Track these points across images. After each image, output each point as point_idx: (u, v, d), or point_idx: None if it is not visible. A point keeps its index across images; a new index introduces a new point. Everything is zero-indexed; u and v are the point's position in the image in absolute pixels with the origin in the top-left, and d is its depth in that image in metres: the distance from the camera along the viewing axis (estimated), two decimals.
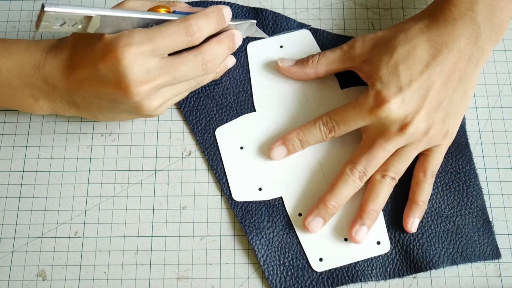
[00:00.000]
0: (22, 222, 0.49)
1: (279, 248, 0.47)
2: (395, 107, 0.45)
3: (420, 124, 0.45)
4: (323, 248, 0.47)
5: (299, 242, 0.47)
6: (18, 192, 0.50)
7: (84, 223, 0.49)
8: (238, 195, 0.49)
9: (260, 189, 0.49)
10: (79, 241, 0.48)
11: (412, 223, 0.47)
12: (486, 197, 0.49)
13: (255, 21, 0.50)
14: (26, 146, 0.51)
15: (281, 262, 0.47)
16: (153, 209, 0.49)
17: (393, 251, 0.47)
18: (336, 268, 0.46)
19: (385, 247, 0.47)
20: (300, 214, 0.48)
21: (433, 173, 0.48)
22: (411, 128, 0.45)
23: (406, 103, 0.45)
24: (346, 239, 0.47)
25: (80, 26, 0.39)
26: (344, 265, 0.47)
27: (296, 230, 0.48)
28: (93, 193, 0.50)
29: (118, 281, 0.47)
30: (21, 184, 0.50)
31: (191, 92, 0.52)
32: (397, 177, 0.47)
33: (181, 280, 0.47)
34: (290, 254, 0.47)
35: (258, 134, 0.51)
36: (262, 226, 0.48)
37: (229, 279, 0.47)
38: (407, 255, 0.47)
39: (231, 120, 0.51)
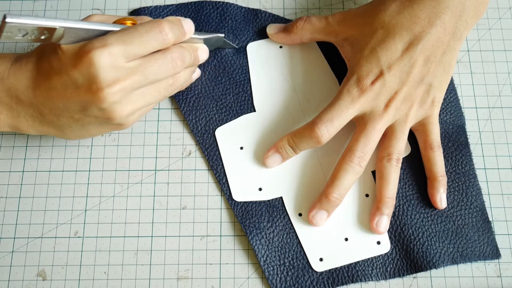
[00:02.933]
0: (22, 222, 0.49)
1: (279, 248, 0.47)
2: (377, 90, 0.45)
3: (403, 100, 0.46)
4: (323, 248, 0.47)
5: (299, 242, 0.47)
6: (18, 192, 0.50)
7: (84, 223, 0.49)
8: (238, 195, 0.49)
9: (260, 189, 0.49)
10: (79, 241, 0.48)
11: (441, 200, 0.48)
12: (486, 197, 0.49)
13: (222, 35, 0.51)
14: (26, 146, 0.51)
15: (281, 262, 0.47)
16: (153, 209, 0.49)
17: (393, 251, 0.47)
18: (336, 268, 0.46)
19: (385, 247, 0.47)
20: (300, 214, 0.48)
21: (439, 144, 0.49)
22: (394, 104, 0.46)
23: (388, 85, 0.45)
24: (346, 239, 0.47)
25: (43, 37, 0.38)
26: (344, 265, 0.47)
27: (296, 230, 0.48)
28: (93, 193, 0.50)
29: (118, 281, 0.47)
30: (21, 184, 0.50)
31: (190, 92, 0.52)
32: (401, 157, 0.48)
33: (181, 280, 0.47)
34: (290, 254, 0.47)
35: (258, 134, 0.51)
36: (262, 226, 0.48)
37: (229, 279, 0.47)
38: (407, 255, 0.47)
39: (231, 120, 0.51)
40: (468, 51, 0.55)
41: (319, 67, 0.53)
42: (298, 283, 0.46)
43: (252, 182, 0.49)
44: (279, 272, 0.46)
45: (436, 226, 0.48)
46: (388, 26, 0.46)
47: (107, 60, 0.39)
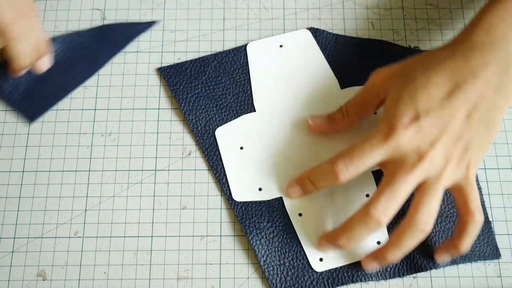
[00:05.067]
0: (22, 222, 0.49)
1: (279, 248, 0.47)
2: (410, 135, 0.42)
3: (438, 156, 0.42)
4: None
5: (299, 242, 0.47)
6: (18, 192, 0.50)
7: (84, 223, 0.49)
8: (238, 195, 0.49)
9: (260, 189, 0.49)
10: (79, 241, 0.48)
11: (444, 260, 0.46)
12: (486, 197, 0.49)
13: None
14: (26, 146, 0.51)
15: (281, 262, 0.47)
16: (153, 209, 0.49)
17: None
18: (336, 268, 0.46)
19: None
20: (300, 214, 0.48)
21: (479, 209, 0.43)
22: (430, 157, 0.41)
23: (422, 132, 0.42)
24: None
25: None
26: (344, 265, 0.47)
27: (296, 230, 0.48)
28: (93, 193, 0.50)
29: (118, 281, 0.47)
30: (21, 184, 0.50)
31: (190, 92, 0.52)
32: (429, 227, 0.42)
33: (181, 280, 0.47)
34: (290, 254, 0.47)
35: (258, 134, 0.51)
36: (262, 226, 0.48)
37: (229, 279, 0.47)
38: (407, 255, 0.47)
39: (231, 120, 0.51)
40: None
41: (319, 67, 0.53)
42: (298, 283, 0.46)
43: (252, 182, 0.49)
44: (279, 272, 0.46)
45: (436, 226, 0.48)
46: (429, 73, 0.43)
47: None
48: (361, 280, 0.46)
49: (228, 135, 0.51)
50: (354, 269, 0.46)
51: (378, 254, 0.45)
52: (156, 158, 0.51)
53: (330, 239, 0.45)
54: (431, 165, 0.42)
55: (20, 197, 0.49)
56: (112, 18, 0.56)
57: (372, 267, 0.46)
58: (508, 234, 0.48)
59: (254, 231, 0.47)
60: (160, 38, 0.56)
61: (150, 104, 0.53)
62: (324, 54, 0.54)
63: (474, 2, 0.57)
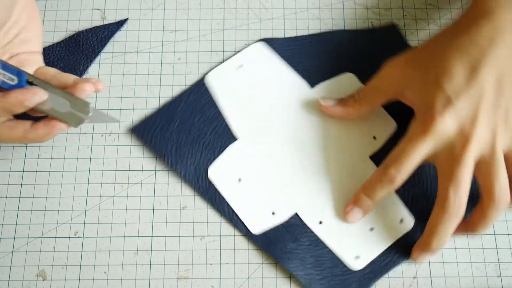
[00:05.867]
0: (22, 222, 0.49)
1: (314, 263, 0.46)
2: (449, 120, 0.42)
3: (483, 130, 0.42)
4: (354, 246, 0.47)
5: (329, 250, 0.47)
6: (18, 192, 0.50)
7: (84, 223, 0.49)
8: (255, 227, 0.48)
9: (273, 213, 0.48)
10: (79, 241, 0.48)
11: (472, 230, 0.45)
12: None
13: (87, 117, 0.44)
14: (26, 146, 0.51)
15: (321, 276, 0.46)
16: (153, 209, 0.49)
17: (417, 226, 0.47)
18: (371, 262, 0.46)
19: (409, 223, 0.47)
20: (320, 222, 0.48)
21: None
22: (475, 134, 0.41)
23: (460, 114, 0.41)
24: (372, 229, 0.47)
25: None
26: (378, 255, 0.47)
27: (322, 239, 0.47)
28: (93, 193, 0.50)
29: (118, 281, 0.47)
30: (21, 184, 0.50)
31: (170, 142, 0.50)
32: (508, 199, 0.42)
33: (181, 280, 0.47)
34: (326, 265, 0.46)
35: (250, 160, 0.50)
36: (289, 249, 0.47)
37: (229, 279, 0.47)
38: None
39: (217, 156, 0.50)
40: None
41: (283, 74, 0.53)
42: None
43: (262, 209, 0.48)
44: (323, 286, 0.46)
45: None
46: (445, 55, 0.42)
47: None
48: (395, 265, 0.46)
49: (221, 172, 0.49)
50: (384, 256, 0.47)
51: (466, 227, 0.44)
52: (156, 158, 0.51)
53: (425, 248, 0.45)
54: (480, 141, 0.42)
55: (20, 197, 0.49)
56: (112, 18, 0.56)
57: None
58: (508, 234, 0.48)
59: (284, 255, 0.47)
60: (160, 38, 0.56)
61: (150, 104, 0.53)
62: (284, 60, 0.53)
63: None
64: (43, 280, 0.47)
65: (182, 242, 0.48)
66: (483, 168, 0.42)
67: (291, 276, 0.47)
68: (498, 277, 0.47)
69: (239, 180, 0.49)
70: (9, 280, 0.47)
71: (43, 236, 0.48)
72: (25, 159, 0.51)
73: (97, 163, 0.51)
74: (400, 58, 0.47)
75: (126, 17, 0.56)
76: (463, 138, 0.41)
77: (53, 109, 0.43)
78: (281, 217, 0.48)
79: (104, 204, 0.49)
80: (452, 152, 0.42)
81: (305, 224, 0.48)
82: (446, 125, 0.42)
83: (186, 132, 0.51)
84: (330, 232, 0.47)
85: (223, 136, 0.51)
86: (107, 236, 0.48)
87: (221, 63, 0.54)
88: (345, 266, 0.46)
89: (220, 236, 0.48)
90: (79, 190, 0.50)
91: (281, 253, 0.47)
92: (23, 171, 0.50)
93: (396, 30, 0.55)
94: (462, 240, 0.48)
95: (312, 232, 0.48)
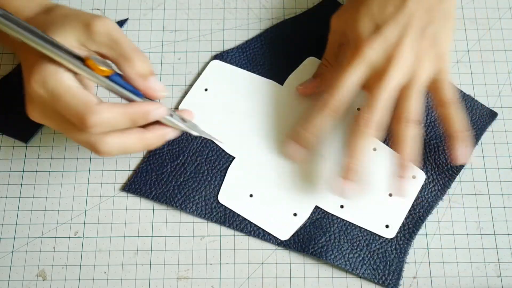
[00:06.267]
0: (22, 222, 0.49)
1: (350, 247, 0.47)
2: (376, 46, 0.44)
3: (407, 54, 0.44)
4: (380, 217, 0.48)
5: (360, 229, 0.47)
6: (18, 192, 0.50)
7: (84, 223, 0.49)
8: (283, 234, 0.48)
9: (295, 214, 0.48)
10: (79, 241, 0.48)
11: (461, 154, 0.46)
12: (486, 197, 0.49)
13: (196, 133, 0.45)
14: (26, 146, 0.51)
15: (361, 256, 0.47)
16: (153, 209, 0.49)
17: (430, 177, 0.49)
18: (400, 228, 0.47)
19: (421, 177, 0.49)
20: (342, 206, 0.48)
21: (453, 100, 0.46)
22: (399, 60, 0.43)
23: (387, 38, 0.44)
24: (390, 195, 0.48)
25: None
26: (406, 216, 0.48)
27: (348, 221, 0.48)
28: (93, 193, 0.50)
29: (118, 281, 0.47)
30: (21, 184, 0.50)
31: (168, 190, 0.49)
32: (416, 118, 0.44)
33: (181, 280, 0.47)
34: (361, 245, 0.47)
35: (256, 175, 0.50)
36: (323, 243, 0.47)
37: (229, 279, 0.47)
38: (442, 180, 0.49)
39: (222, 182, 0.49)
40: (468, 51, 0.55)
41: (250, 81, 0.53)
42: (388, 262, 0.46)
43: (284, 214, 0.48)
44: (369, 267, 0.46)
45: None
46: None
47: None
48: (422, 223, 0.47)
49: (231, 194, 0.49)
50: (408, 213, 0.48)
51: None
52: None
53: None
54: (404, 65, 0.44)
55: (20, 197, 0.49)
56: (112, 18, 0.56)
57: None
58: (508, 234, 0.48)
59: (320, 251, 0.47)
60: (160, 38, 0.56)
61: None
62: (245, 68, 0.53)
63: (474, 2, 0.57)
64: (43, 280, 0.47)
65: (182, 242, 0.48)
66: (403, 95, 0.44)
67: (291, 276, 0.47)
68: (498, 277, 0.47)
69: (251, 195, 0.49)
70: (9, 280, 0.47)
71: (43, 236, 0.48)
72: (25, 159, 0.51)
73: (97, 163, 0.51)
74: (340, 8, 0.49)
75: (126, 17, 0.56)
76: (386, 61, 0.44)
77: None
78: (304, 215, 0.48)
79: (104, 204, 0.49)
80: (377, 76, 0.44)
81: (328, 214, 0.48)
82: (374, 50, 0.44)
83: (180, 173, 0.50)
84: (354, 212, 0.48)
85: (219, 162, 0.50)
86: (107, 236, 0.48)
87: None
88: (380, 238, 0.47)
89: (220, 236, 0.48)
90: (79, 190, 0.50)
91: (316, 250, 0.47)
92: (23, 171, 0.50)
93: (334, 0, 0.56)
94: (462, 240, 0.48)
95: (338, 218, 0.48)
